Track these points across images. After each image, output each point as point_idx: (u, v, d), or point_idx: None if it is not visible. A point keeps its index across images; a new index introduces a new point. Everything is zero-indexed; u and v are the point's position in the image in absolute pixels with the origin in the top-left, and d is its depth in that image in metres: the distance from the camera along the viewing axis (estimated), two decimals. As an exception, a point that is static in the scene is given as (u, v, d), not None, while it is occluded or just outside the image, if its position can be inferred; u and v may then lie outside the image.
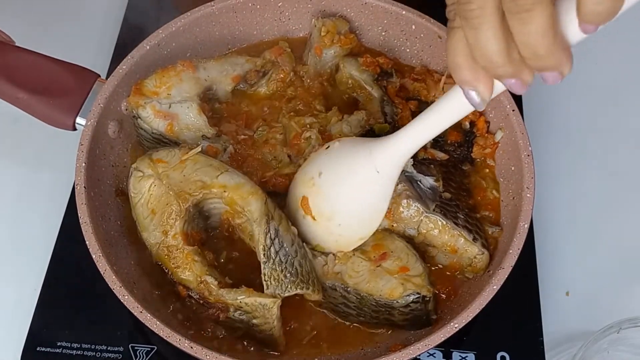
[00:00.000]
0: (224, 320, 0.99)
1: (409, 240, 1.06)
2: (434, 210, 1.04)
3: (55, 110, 1.10)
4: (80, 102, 1.11)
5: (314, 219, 1.02)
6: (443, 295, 1.06)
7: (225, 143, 1.12)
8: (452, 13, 0.74)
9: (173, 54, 1.20)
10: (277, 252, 0.98)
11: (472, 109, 0.80)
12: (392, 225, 1.05)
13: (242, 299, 0.96)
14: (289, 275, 0.97)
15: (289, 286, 0.97)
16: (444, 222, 1.04)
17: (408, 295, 0.99)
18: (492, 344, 1.10)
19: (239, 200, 1.01)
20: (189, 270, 0.99)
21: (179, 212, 1.01)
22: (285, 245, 0.99)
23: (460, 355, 1.09)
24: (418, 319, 1.01)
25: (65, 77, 1.12)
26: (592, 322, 1.11)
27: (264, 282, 0.97)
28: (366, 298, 1.00)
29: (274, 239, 0.98)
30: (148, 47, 1.16)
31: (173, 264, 1.00)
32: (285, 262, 0.98)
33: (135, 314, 0.94)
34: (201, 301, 0.99)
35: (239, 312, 0.98)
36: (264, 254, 0.98)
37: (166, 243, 1.01)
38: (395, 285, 0.99)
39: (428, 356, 1.09)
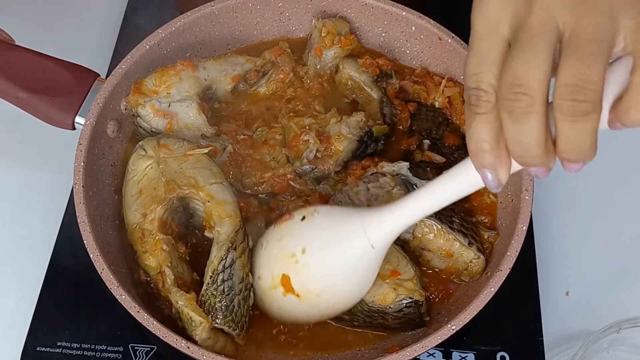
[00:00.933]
0: (167, 315, 0.98)
1: (404, 243, 1.06)
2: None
3: (54, 109, 1.10)
4: (80, 102, 1.11)
5: (298, 296, 0.96)
6: (437, 299, 1.06)
7: (225, 142, 1.12)
8: (473, 97, 0.71)
9: (173, 53, 1.20)
10: (224, 281, 0.96)
11: (482, 186, 0.77)
12: (388, 229, 1.05)
13: (181, 304, 0.95)
14: (224, 308, 0.96)
15: (219, 319, 0.96)
16: (439, 227, 1.03)
17: (400, 301, 0.98)
18: (492, 344, 1.10)
19: (215, 216, 0.99)
20: (154, 257, 0.98)
21: (162, 199, 1.01)
22: (234, 278, 0.97)
23: (460, 355, 1.09)
24: (411, 322, 1.01)
25: (64, 76, 1.12)
26: (592, 322, 1.11)
27: (199, 301, 0.97)
28: (359, 304, 1.00)
29: (227, 267, 0.97)
30: (148, 47, 1.16)
31: (142, 247, 0.99)
32: (227, 295, 0.96)
33: (132, 313, 0.94)
34: (155, 291, 0.98)
35: (177, 315, 0.97)
36: (210, 277, 0.96)
37: (142, 225, 1.00)
38: (387, 290, 0.99)
39: (428, 356, 1.09)
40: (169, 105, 1.12)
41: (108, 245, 1.03)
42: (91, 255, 0.98)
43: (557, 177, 1.27)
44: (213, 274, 0.97)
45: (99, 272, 0.96)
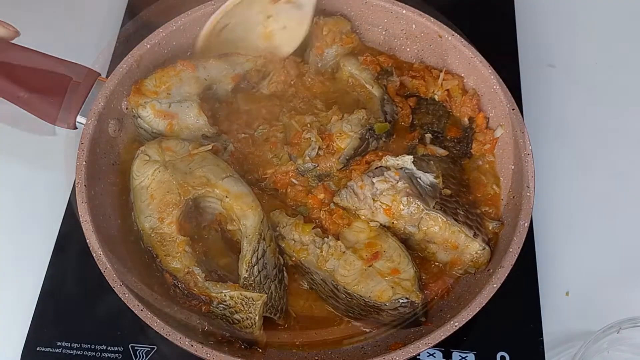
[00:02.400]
0: (205, 312, 0.99)
1: (409, 237, 1.06)
2: (434, 207, 1.04)
3: (55, 108, 1.10)
4: (81, 101, 1.11)
5: None
6: (436, 296, 1.06)
7: (226, 142, 1.12)
8: None
9: (173, 53, 1.20)
10: (259, 272, 0.99)
11: None
12: (393, 223, 1.05)
13: (227, 292, 0.97)
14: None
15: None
16: (445, 219, 1.03)
17: (396, 300, 0.99)
18: (492, 344, 1.10)
19: (237, 210, 1.01)
20: (178, 259, 0.99)
21: (178, 202, 1.01)
22: (268, 267, 1.00)
23: (460, 355, 1.09)
24: (406, 321, 1.02)
25: (66, 76, 1.12)
26: (592, 322, 1.11)
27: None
28: (356, 298, 1.00)
29: (260, 258, 0.99)
30: (148, 46, 1.16)
31: (164, 251, 1.00)
32: (263, 284, 0.99)
33: (135, 312, 0.94)
34: (185, 291, 0.99)
35: (222, 305, 0.98)
36: (246, 270, 0.99)
37: (160, 229, 1.01)
38: (385, 287, 0.99)
39: (428, 356, 1.09)
40: (170, 105, 1.12)
41: (110, 244, 1.03)
42: (94, 254, 0.98)
43: (558, 176, 1.30)
44: (248, 267, 0.98)
45: (102, 271, 0.96)
